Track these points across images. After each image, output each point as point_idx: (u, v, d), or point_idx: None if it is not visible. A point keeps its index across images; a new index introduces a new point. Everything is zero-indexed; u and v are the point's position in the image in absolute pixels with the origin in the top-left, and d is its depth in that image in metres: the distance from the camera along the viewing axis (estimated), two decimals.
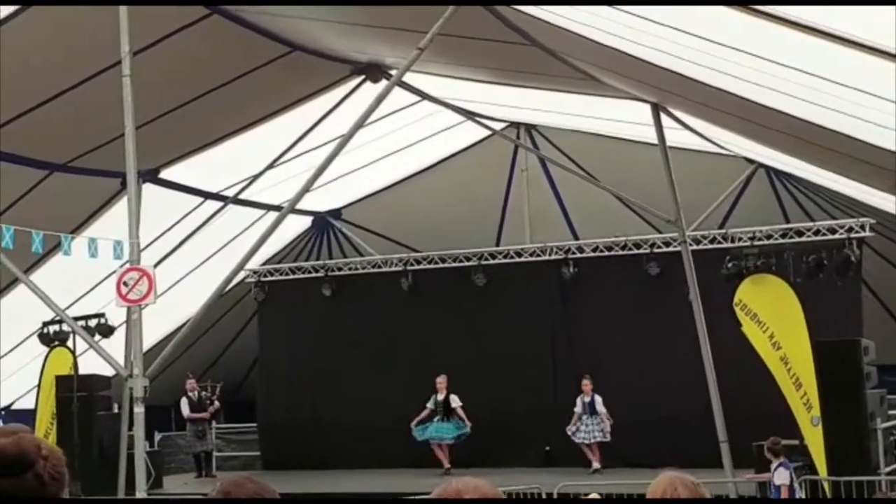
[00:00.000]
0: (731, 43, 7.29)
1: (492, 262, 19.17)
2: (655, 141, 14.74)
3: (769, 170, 17.89)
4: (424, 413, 17.76)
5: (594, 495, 7.85)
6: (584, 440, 17.05)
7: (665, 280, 17.38)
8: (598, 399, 17.05)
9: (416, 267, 19.67)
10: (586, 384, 17.14)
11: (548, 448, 18.20)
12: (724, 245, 17.07)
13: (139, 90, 10.57)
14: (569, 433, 17.11)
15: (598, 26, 8.81)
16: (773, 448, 12.52)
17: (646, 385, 17.43)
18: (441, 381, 17.77)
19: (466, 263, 19.23)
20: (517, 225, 20.13)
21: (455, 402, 17.62)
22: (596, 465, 16.84)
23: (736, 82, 8.34)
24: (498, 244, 20.29)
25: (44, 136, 13.45)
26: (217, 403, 19.42)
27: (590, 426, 17.02)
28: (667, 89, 11.59)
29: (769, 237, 16.83)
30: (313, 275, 20.32)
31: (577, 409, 17.14)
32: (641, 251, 18.03)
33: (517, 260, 19.09)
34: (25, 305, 14.36)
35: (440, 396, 17.75)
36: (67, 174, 14.56)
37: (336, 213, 21.54)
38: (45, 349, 16.22)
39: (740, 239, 17.05)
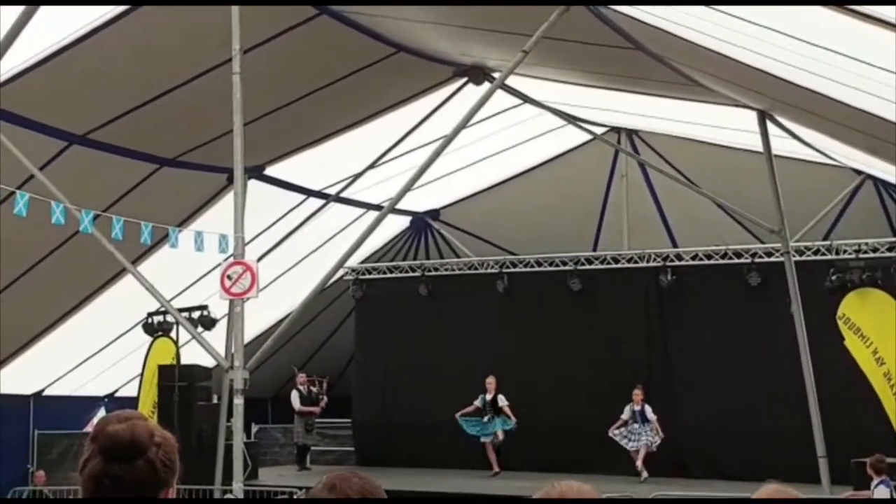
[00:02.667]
0: (845, 50, 7.15)
1: (588, 267, 19.05)
2: (760, 149, 14.51)
3: (877, 181, 17.46)
4: (470, 408, 17.87)
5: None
6: (633, 448, 16.93)
7: (766, 291, 17.08)
8: (648, 409, 16.95)
9: (512, 270, 19.66)
10: (637, 394, 17.04)
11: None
12: (829, 257, 16.72)
13: (247, 88, 10.77)
14: (611, 435, 17.00)
15: (705, 31, 8.71)
16: (876, 465, 12.21)
17: (743, 397, 17.14)
18: (490, 381, 17.87)
19: (563, 268, 19.15)
20: (615, 230, 19.98)
21: (502, 401, 17.72)
22: (644, 473, 16.68)
23: (851, 92, 8.17)
24: (595, 249, 20.17)
25: (154, 132, 13.78)
26: (326, 398, 19.71)
27: (640, 434, 16.89)
28: (775, 97, 11.40)
29: (875, 250, 16.44)
30: (410, 274, 20.45)
31: (625, 416, 17.05)
32: (742, 261, 17.74)
33: (614, 266, 18.94)
34: (131, 296, 14.72)
35: (488, 396, 17.81)
36: (176, 169, 14.88)
37: (434, 213, 21.66)
38: (148, 339, 16.59)
39: (845, 251, 16.68)
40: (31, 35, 10.92)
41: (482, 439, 17.92)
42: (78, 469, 2.34)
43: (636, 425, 16.97)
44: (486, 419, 17.81)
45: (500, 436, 17.83)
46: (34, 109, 12.36)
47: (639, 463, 16.76)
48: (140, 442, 2.29)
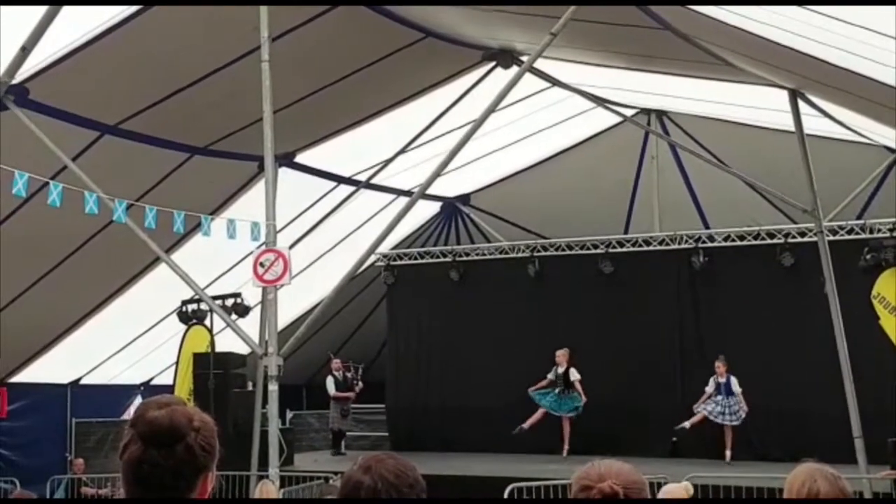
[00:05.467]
0: (877, 27, 7.08)
1: (620, 249, 19.01)
2: (791, 128, 14.39)
3: None
4: (543, 382, 17.76)
5: (685, 484, 7.44)
6: (716, 419, 16.72)
7: (799, 271, 16.99)
8: (734, 380, 16.63)
9: (543, 253, 19.65)
10: (720, 366, 16.75)
11: (675, 439, 17.97)
12: (863, 236, 16.61)
13: (276, 76, 10.79)
14: (696, 410, 16.79)
15: (735, 10, 8.66)
16: None
17: (777, 378, 17.06)
18: (562, 353, 17.67)
19: (594, 251, 19.11)
20: (646, 212, 19.88)
21: (574, 375, 17.55)
22: (728, 454, 16.54)
23: (882, 69, 8.09)
24: (626, 232, 20.10)
25: (185, 121, 13.85)
26: (361, 384, 19.78)
27: (724, 406, 16.67)
28: (807, 75, 11.31)
29: None
30: (441, 260, 20.48)
31: (709, 388, 16.78)
32: (775, 241, 17.64)
33: (646, 248, 18.88)
34: (165, 284, 14.84)
35: (560, 369, 17.69)
36: (207, 157, 14.95)
37: (465, 198, 21.65)
38: (183, 327, 16.70)
39: (879, 230, 16.57)
40: (61, 26, 10.99)
41: (556, 412, 17.65)
42: (118, 453, 2.37)
43: (720, 397, 16.69)
44: (557, 391, 17.68)
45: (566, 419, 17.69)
46: (66, 100, 12.46)
47: (728, 453, 16.55)
48: (179, 428, 2.33)
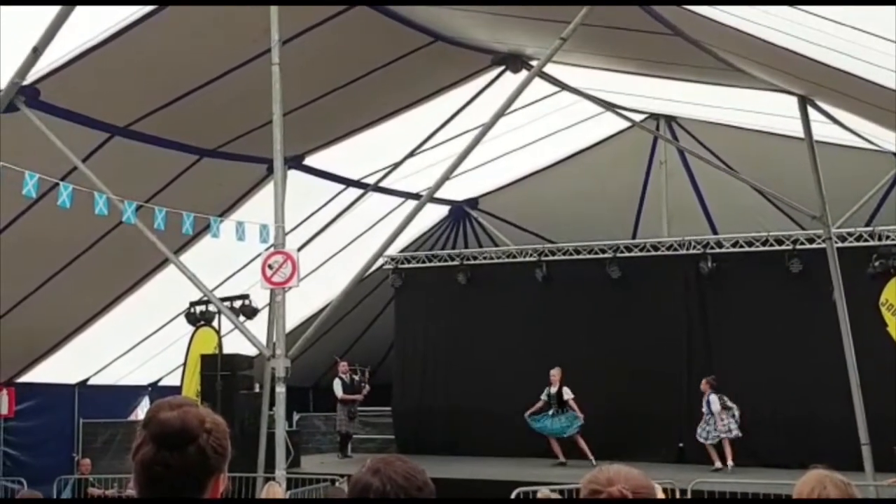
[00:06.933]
0: (887, 34, 7.08)
1: (627, 254, 19.00)
2: (800, 134, 14.38)
3: None
4: (539, 405, 17.67)
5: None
6: (703, 440, 16.72)
7: (807, 278, 16.96)
8: (714, 398, 16.55)
9: (551, 258, 19.65)
10: (704, 384, 16.80)
11: (681, 444, 17.95)
12: (871, 243, 16.60)
13: (286, 78, 10.82)
14: (697, 436, 16.85)
15: (745, 16, 8.66)
16: None
17: (784, 384, 17.04)
18: (555, 373, 17.57)
19: (602, 255, 19.10)
20: (654, 218, 19.88)
21: (567, 394, 17.42)
22: (721, 461, 16.45)
23: (892, 75, 8.09)
24: (634, 237, 20.09)
25: (194, 123, 13.88)
26: (368, 387, 19.79)
27: (705, 423, 16.70)
28: (817, 81, 11.30)
29: None
30: (449, 263, 20.49)
31: (704, 409, 16.78)
32: (784, 247, 17.62)
33: (654, 253, 18.87)
34: (173, 285, 14.87)
35: (553, 389, 17.61)
36: (216, 159, 14.98)
37: (473, 202, 21.65)
38: (191, 328, 16.72)
39: (888, 237, 16.55)
40: (72, 28, 11.03)
41: (560, 436, 17.53)
42: (131, 454, 2.38)
43: (708, 416, 16.67)
44: (551, 412, 17.59)
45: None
46: (76, 102, 12.50)
47: (718, 461, 16.49)
48: (191, 430, 2.33)
